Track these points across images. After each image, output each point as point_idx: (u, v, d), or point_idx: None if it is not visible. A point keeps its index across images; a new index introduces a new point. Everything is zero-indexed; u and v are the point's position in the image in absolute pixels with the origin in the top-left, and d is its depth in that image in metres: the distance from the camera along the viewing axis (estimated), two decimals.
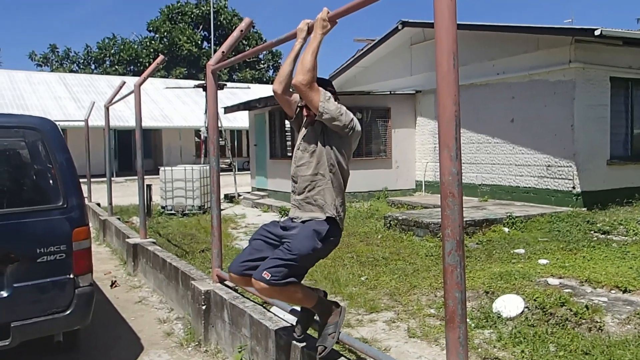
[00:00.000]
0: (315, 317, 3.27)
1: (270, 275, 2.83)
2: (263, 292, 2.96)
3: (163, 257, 6.08)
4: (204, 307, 4.57)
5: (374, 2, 2.60)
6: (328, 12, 2.94)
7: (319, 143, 3.12)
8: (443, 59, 2.03)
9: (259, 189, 15.62)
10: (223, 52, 4.62)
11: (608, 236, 7.92)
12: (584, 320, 4.60)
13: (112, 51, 46.23)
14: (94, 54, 46.93)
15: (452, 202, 2.04)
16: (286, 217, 3.31)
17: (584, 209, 9.76)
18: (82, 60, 47.87)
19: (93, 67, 47.26)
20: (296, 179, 3.20)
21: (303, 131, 3.25)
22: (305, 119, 3.28)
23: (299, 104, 3.31)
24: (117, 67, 45.20)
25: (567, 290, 5.32)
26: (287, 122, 13.62)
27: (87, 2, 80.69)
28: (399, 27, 13.58)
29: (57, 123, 4.33)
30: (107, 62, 46.65)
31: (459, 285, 2.06)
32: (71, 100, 28.87)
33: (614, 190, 10.24)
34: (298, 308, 3.43)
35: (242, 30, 4.51)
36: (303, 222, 3.10)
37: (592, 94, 10.12)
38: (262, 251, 3.10)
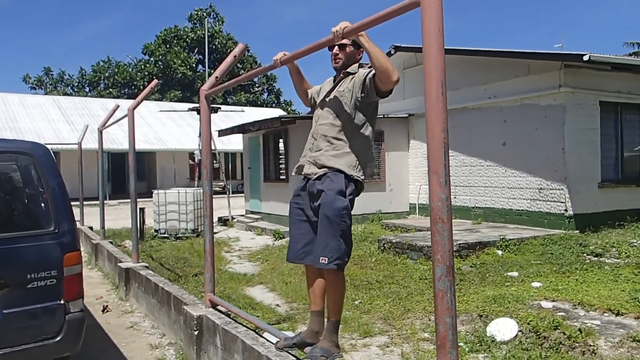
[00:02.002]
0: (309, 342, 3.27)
1: (327, 259, 3.03)
2: (328, 277, 3.16)
3: (155, 281, 6.04)
4: (196, 333, 4.54)
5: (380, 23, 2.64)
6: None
7: (348, 108, 3.24)
8: (432, 87, 2.06)
9: (252, 212, 15.60)
10: (217, 77, 4.66)
11: (600, 259, 7.94)
12: (577, 344, 4.60)
13: (107, 74, 46.42)
14: (89, 76, 47.10)
15: (441, 228, 2.06)
16: (298, 170, 3.43)
17: (576, 231, 9.79)
18: (76, 83, 48.02)
19: (87, 89, 47.39)
20: (316, 137, 3.32)
21: (334, 94, 3.34)
22: (335, 83, 3.40)
23: (314, 93, 3.61)
24: (111, 90, 45.34)
25: (560, 314, 5.32)
26: (280, 145, 13.68)
27: (82, 25, 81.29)
28: (392, 52, 13.76)
29: (50, 146, 4.36)
30: (102, 85, 46.80)
31: (450, 311, 2.07)
32: (65, 123, 28.88)
33: (605, 213, 10.29)
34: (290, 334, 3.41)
35: (235, 56, 4.56)
36: (319, 179, 3.22)
37: (582, 118, 10.23)
38: (306, 234, 3.29)
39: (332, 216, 3.07)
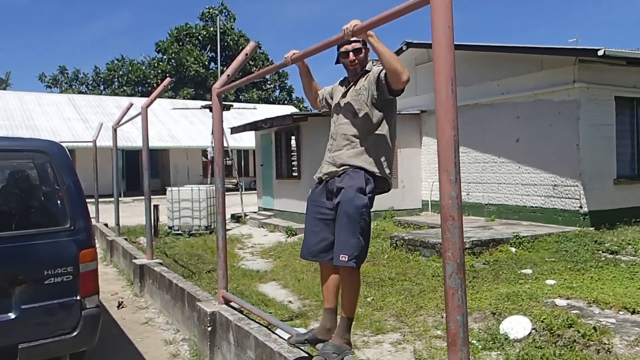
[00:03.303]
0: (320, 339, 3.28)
1: (347, 257, 3.03)
2: (345, 274, 3.16)
3: (169, 278, 6.10)
4: (209, 329, 4.58)
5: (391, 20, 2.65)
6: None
7: (366, 106, 3.24)
8: (441, 85, 2.06)
9: (265, 209, 15.65)
10: (228, 75, 4.69)
11: (616, 256, 7.87)
12: (592, 342, 4.57)
13: (121, 72, 46.75)
14: (103, 75, 47.47)
15: (452, 225, 2.07)
16: (320, 174, 3.40)
17: (591, 228, 9.71)
18: (91, 82, 48.41)
19: (102, 88, 47.77)
20: (335, 137, 3.33)
21: (351, 93, 3.33)
22: (350, 84, 3.39)
23: (326, 94, 3.62)
24: (125, 88, 45.67)
25: (574, 312, 5.29)
26: (293, 142, 13.70)
27: (96, 24, 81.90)
28: (404, 48, 13.71)
29: (65, 144, 4.41)
30: (116, 83, 47.15)
31: (460, 308, 2.07)
32: (80, 121, 29.15)
33: (621, 210, 10.18)
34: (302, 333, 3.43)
35: (247, 54, 4.58)
36: (338, 176, 3.22)
37: (596, 114, 10.13)
38: (322, 231, 3.26)
39: (352, 213, 3.07)
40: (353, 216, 3.07)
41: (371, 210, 3.21)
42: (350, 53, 3.29)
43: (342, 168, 3.23)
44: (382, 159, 3.25)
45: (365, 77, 3.30)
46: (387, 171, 3.28)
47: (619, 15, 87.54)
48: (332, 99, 3.58)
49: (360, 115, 3.25)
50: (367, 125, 3.24)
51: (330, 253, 3.19)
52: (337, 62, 3.42)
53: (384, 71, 3.11)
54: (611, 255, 7.91)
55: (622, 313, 5.29)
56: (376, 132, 3.25)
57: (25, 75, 79.42)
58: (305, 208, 3.45)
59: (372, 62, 3.37)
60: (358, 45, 3.27)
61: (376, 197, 3.25)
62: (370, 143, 3.23)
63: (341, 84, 3.54)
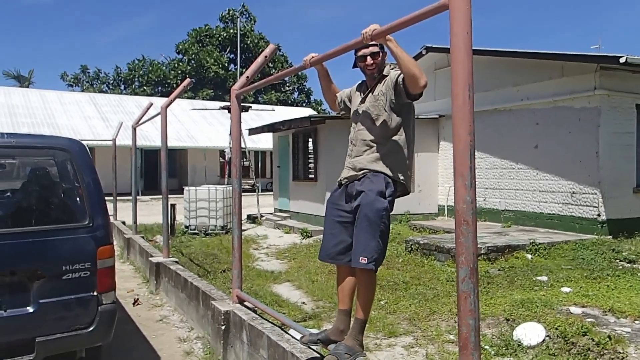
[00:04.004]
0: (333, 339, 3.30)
1: (367, 259, 3.06)
2: (362, 276, 3.19)
3: (185, 276, 6.16)
4: (223, 328, 4.62)
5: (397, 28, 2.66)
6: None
7: (384, 111, 3.27)
8: (459, 90, 2.07)
9: (281, 210, 15.71)
10: (247, 77, 4.73)
11: (634, 265, 7.78)
12: (606, 351, 4.52)
13: (141, 72, 47.23)
14: (124, 75, 48.00)
15: (466, 230, 2.07)
16: (340, 182, 3.43)
17: (609, 237, 9.60)
18: (111, 81, 48.99)
19: (122, 87, 48.29)
20: (355, 142, 3.36)
21: (370, 99, 3.36)
22: (369, 89, 3.41)
23: (345, 97, 3.65)
24: (145, 87, 46.12)
25: (589, 320, 5.24)
26: (310, 145, 13.74)
27: (118, 25, 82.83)
28: (423, 52, 13.70)
29: (86, 142, 4.48)
30: (136, 83, 47.64)
31: (473, 313, 2.08)
32: (100, 120, 29.52)
33: None
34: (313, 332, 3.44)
35: (266, 56, 4.62)
36: (358, 180, 3.26)
37: (617, 122, 10.03)
38: (340, 233, 3.30)
39: (372, 217, 3.10)
40: (373, 219, 3.10)
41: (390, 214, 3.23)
42: (368, 57, 3.31)
43: (362, 172, 3.26)
44: (402, 163, 3.28)
45: (383, 82, 3.32)
46: (407, 175, 3.31)
47: None
48: (350, 102, 3.60)
49: (379, 120, 3.27)
50: (386, 131, 3.26)
51: (347, 255, 3.21)
52: (355, 66, 3.44)
53: (402, 75, 3.12)
54: (629, 264, 7.82)
55: (638, 322, 5.23)
56: (395, 136, 3.27)
57: (48, 74, 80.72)
58: (325, 211, 3.48)
59: (390, 66, 3.39)
60: (376, 49, 3.29)
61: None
62: (390, 148, 3.25)
63: (359, 88, 3.56)
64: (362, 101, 3.41)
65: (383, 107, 3.26)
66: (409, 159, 3.34)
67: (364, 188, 3.19)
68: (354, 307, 3.31)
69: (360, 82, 3.57)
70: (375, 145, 3.26)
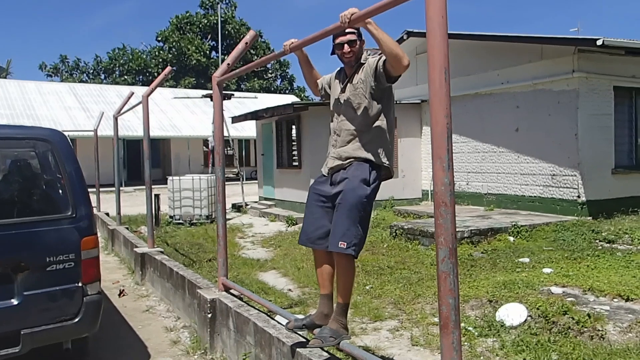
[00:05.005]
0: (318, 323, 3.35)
1: (345, 244, 3.08)
2: (341, 262, 3.19)
3: (170, 266, 6.17)
4: (209, 316, 4.65)
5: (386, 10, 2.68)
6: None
7: (365, 99, 3.28)
8: (435, 74, 2.11)
9: (266, 199, 15.72)
10: (228, 64, 4.72)
11: (613, 245, 7.93)
12: (585, 329, 4.64)
13: (122, 61, 46.65)
14: (104, 64, 47.38)
15: (444, 212, 2.12)
16: (326, 170, 3.44)
17: (589, 218, 9.77)
18: (91, 71, 48.33)
19: (103, 77, 47.70)
20: (339, 133, 3.37)
21: (349, 88, 3.37)
22: (347, 78, 3.42)
23: (325, 83, 3.64)
24: (126, 77, 45.61)
25: (570, 299, 5.35)
26: (293, 132, 13.73)
27: (97, 13, 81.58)
28: (404, 37, 13.70)
29: (67, 133, 4.45)
30: (117, 72, 47.06)
31: (452, 292, 2.13)
32: (81, 110, 29.17)
33: (619, 199, 10.24)
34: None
35: (247, 43, 4.61)
36: (344, 168, 3.30)
37: (595, 104, 10.16)
38: (321, 218, 3.33)
39: (354, 202, 3.13)
40: (355, 205, 3.13)
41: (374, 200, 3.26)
42: (345, 45, 3.31)
43: (347, 161, 3.29)
44: (385, 148, 3.31)
45: (362, 69, 3.33)
46: (391, 159, 3.35)
47: (623, 8, 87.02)
48: (330, 89, 3.61)
49: (360, 109, 3.29)
50: (368, 118, 3.29)
51: (327, 240, 3.24)
52: (333, 53, 3.44)
53: (381, 60, 3.14)
54: (608, 244, 7.97)
55: (617, 300, 5.36)
56: (377, 122, 3.30)
57: (26, 64, 79.44)
58: (307, 197, 3.51)
59: (367, 53, 3.40)
60: (353, 37, 3.30)
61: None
62: (373, 135, 3.28)
63: (338, 76, 3.56)
64: (342, 90, 3.42)
65: (363, 94, 3.28)
66: (392, 144, 3.38)
67: (349, 175, 3.23)
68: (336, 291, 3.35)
69: (339, 69, 3.58)
70: (359, 133, 3.29)
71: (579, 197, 10.05)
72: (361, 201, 3.15)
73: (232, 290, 4.80)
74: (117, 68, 47.03)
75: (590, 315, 4.80)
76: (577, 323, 4.70)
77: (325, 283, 3.39)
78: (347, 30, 3.24)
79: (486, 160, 12.10)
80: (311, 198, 3.45)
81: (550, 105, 10.48)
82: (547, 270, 6.59)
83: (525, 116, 11.06)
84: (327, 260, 3.35)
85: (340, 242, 3.10)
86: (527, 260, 7.24)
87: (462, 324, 4.73)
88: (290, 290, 6.60)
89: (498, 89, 11.64)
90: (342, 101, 3.40)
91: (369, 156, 3.25)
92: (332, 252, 3.18)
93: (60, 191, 4.05)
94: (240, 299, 4.62)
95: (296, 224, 11.89)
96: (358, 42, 3.33)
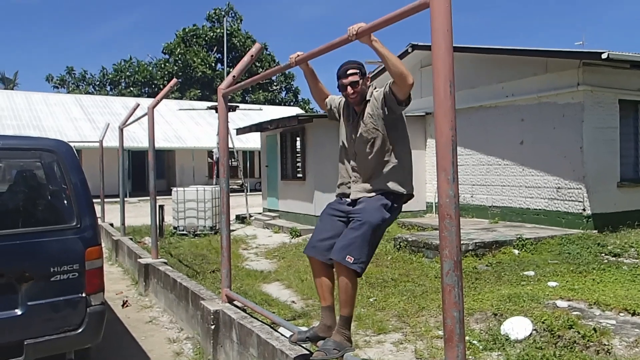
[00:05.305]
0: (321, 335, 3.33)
1: (352, 259, 3.06)
2: (344, 275, 3.13)
3: (174, 277, 6.16)
4: (212, 327, 4.63)
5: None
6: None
7: (379, 132, 3.29)
8: (440, 86, 2.11)
9: (270, 210, 15.71)
10: (234, 76, 4.75)
11: (619, 259, 7.88)
12: (591, 343, 4.60)
13: (128, 73, 46.97)
14: (110, 76, 47.70)
15: (449, 224, 2.11)
16: (347, 199, 3.44)
17: (594, 231, 9.72)
18: (98, 82, 48.65)
19: (109, 88, 47.99)
20: (358, 170, 3.38)
21: (361, 126, 3.36)
22: (357, 115, 3.42)
23: (333, 106, 3.60)
24: (132, 88, 45.89)
25: (575, 313, 5.31)
26: (298, 144, 13.76)
27: (104, 25, 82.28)
28: (409, 50, 13.76)
29: (72, 144, 4.47)
30: (123, 84, 47.36)
31: (457, 305, 2.12)
32: (87, 121, 29.33)
33: (625, 213, 10.18)
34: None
35: (252, 56, 4.64)
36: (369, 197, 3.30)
37: (601, 117, 10.14)
38: (332, 229, 3.33)
39: (370, 221, 3.14)
40: (371, 224, 3.14)
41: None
42: (348, 87, 3.33)
43: (371, 194, 3.31)
44: (405, 177, 3.34)
45: (369, 105, 3.35)
46: (411, 184, 3.38)
47: (627, 19, 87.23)
48: (338, 115, 3.62)
49: (375, 144, 3.30)
50: (385, 151, 3.30)
51: (329, 254, 3.23)
52: (339, 89, 3.45)
53: (387, 86, 3.17)
54: (613, 258, 7.92)
55: (623, 315, 5.31)
56: (395, 151, 3.31)
57: (33, 76, 80.00)
58: (319, 212, 3.51)
59: (374, 87, 3.42)
60: (355, 77, 3.31)
61: None
62: (392, 165, 3.30)
63: (346, 109, 3.54)
64: (354, 128, 3.42)
65: (375, 128, 3.29)
66: (411, 169, 3.41)
67: (371, 199, 3.27)
68: (337, 301, 3.33)
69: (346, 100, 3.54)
70: (378, 167, 3.31)
71: (584, 210, 10.00)
72: (377, 223, 3.17)
73: (235, 302, 4.79)
74: (123, 80, 47.34)
75: (596, 330, 4.76)
76: (583, 337, 4.66)
77: (325, 295, 3.37)
78: (348, 72, 3.31)
79: (491, 173, 12.08)
80: (325, 211, 3.47)
81: (555, 118, 10.47)
82: (552, 283, 6.55)
83: (530, 129, 11.05)
84: (326, 273, 3.34)
85: (347, 256, 3.08)
86: (532, 273, 7.20)
87: (467, 338, 4.70)
88: (293, 302, 6.58)
89: (503, 101, 11.64)
90: (355, 139, 3.40)
91: (392, 188, 3.28)
92: (334, 263, 3.17)
93: (65, 201, 4.06)
94: (244, 310, 4.61)
95: (300, 235, 11.87)
96: (360, 82, 3.33)
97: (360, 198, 3.32)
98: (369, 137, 3.31)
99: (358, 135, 3.37)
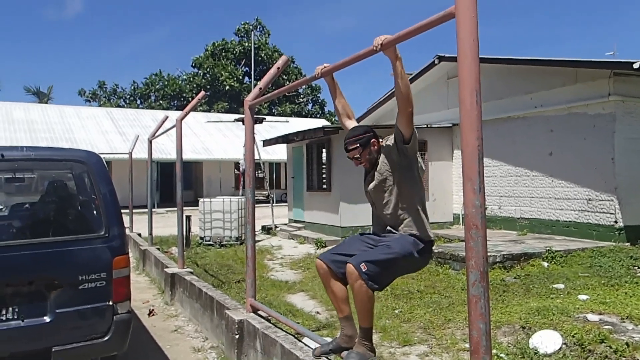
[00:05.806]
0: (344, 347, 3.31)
1: (366, 268, 3.03)
2: (356, 289, 3.06)
3: (199, 286, 6.20)
4: (237, 337, 4.64)
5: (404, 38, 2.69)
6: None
7: (394, 178, 3.31)
8: (466, 96, 2.10)
9: (295, 221, 15.74)
10: (260, 88, 4.79)
11: None
12: (624, 358, 4.48)
13: (157, 86, 47.74)
14: (140, 89, 48.55)
15: (475, 234, 2.08)
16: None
17: (627, 243, 9.49)
18: (128, 96, 49.53)
19: (139, 102, 48.81)
20: (383, 218, 3.39)
21: (376, 175, 3.38)
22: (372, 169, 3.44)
23: (355, 156, 3.45)
24: (161, 102, 46.59)
25: (607, 327, 5.18)
26: (324, 155, 13.78)
27: (135, 40, 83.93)
28: (436, 62, 13.72)
29: (103, 155, 4.56)
30: (152, 97, 48.11)
31: (483, 317, 2.08)
32: (117, 133, 29.85)
33: None
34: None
35: (278, 68, 4.67)
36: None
37: (633, 127, 9.94)
38: (355, 246, 3.35)
39: (398, 250, 3.13)
40: (398, 253, 3.13)
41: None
42: (354, 160, 3.41)
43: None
44: (425, 220, 3.34)
45: (381, 158, 3.37)
46: (430, 234, 3.36)
47: None
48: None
49: (393, 191, 3.31)
50: (402, 194, 3.30)
51: (344, 266, 3.19)
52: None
53: (391, 137, 3.24)
54: None
55: None
56: (411, 193, 3.32)
57: (66, 90, 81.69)
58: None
59: (381, 142, 3.43)
60: (355, 153, 3.36)
61: None
62: (413, 209, 3.30)
63: None
64: (371, 179, 3.43)
65: (391, 176, 3.31)
66: (427, 214, 3.39)
67: (404, 234, 3.27)
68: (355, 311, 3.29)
69: None
70: (401, 213, 3.31)
71: (616, 222, 9.78)
72: (405, 253, 3.15)
73: (260, 312, 4.79)
74: (152, 93, 48.10)
75: (629, 344, 4.63)
76: (615, 352, 4.54)
77: (340, 306, 3.34)
78: (348, 148, 3.37)
79: (519, 184, 11.92)
80: (356, 235, 3.53)
81: (586, 128, 10.30)
82: (582, 297, 6.41)
83: (559, 140, 10.88)
84: (336, 284, 3.32)
85: (363, 263, 3.04)
86: (561, 286, 7.05)
87: (494, 351, 4.62)
88: (318, 312, 6.56)
89: (531, 112, 11.50)
90: (373, 189, 3.41)
91: (419, 232, 3.27)
92: (347, 273, 3.11)
93: (95, 211, 4.14)
94: (268, 320, 4.61)
95: (325, 246, 11.85)
96: (362, 152, 3.37)
97: (393, 232, 3.32)
98: (387, 185, 3.33)
99: (376, 185, 3.39)
